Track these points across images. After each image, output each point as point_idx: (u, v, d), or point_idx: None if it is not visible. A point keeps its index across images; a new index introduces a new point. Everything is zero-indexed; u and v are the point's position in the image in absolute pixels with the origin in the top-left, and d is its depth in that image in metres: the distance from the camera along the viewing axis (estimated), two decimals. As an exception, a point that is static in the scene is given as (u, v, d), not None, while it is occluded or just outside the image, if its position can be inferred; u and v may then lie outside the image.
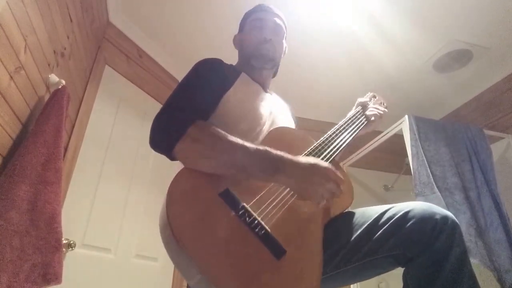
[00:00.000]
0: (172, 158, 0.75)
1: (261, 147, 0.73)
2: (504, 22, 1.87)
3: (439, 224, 0.69)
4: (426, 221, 0.70)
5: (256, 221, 0.66)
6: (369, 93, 1.21)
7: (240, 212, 0.66)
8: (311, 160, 0.73)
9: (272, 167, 0.71)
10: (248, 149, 0.72)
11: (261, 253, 0.63)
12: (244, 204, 0.68)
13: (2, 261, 0.86)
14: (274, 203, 0.72)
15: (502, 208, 1.69)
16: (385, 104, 1.20)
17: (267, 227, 0.66)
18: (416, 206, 0.74)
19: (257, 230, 0.65)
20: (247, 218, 0.66)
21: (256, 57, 1.02)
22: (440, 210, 0.73)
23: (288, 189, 0.75)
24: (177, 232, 0.59)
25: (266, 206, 0.70)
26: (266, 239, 0.65)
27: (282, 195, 0.74)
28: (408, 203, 0.76)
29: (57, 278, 1.02)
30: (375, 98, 1.19)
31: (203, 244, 0.60)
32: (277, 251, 0.64)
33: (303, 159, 0.74)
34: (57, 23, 1.24)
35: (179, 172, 0.69)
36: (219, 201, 0.67)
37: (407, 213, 0.73)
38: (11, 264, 0.89)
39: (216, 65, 0.95)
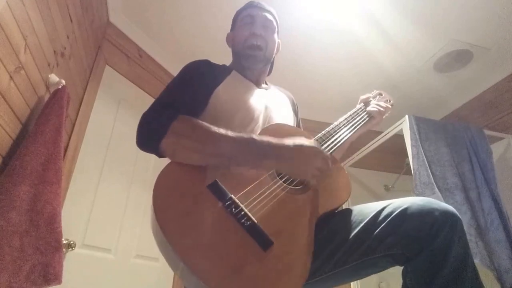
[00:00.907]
0: (160, 155, 0.75)
1: (245, 135, 0.74)
2: (504, 22, 1.87)
3: (439, 221, 0.66)
4: (425, 218, 0.67)
5: (242, 212, 0.65)
6: (374, 90, 1.20)
7: (226, 203, 0.66)
8: (297, 140, 0.75)
9: (261, 153, 0.72)
10: (233, 138, 0.72)
11: (247, 244, 0.62)
12: (232, 195, 0.67)
13: (2, 261, 0.86)
14: (263, 196, 0.71)
15: (502, 208, 1.69)
16: (391, 101, 1.17)
17: (253, 218, 0.65)
18: (415, 202, 0.71)
19: (243, 221, 0.64)
20: (234, 209, 0.65)
21: (245, 56, 1.01)
22: (440, 205, 0.69)
23: (278, 183, 0.75)
24: (162, 222, 0.59)
25: (254, 199, 0.70)
26: (252, 230, 0.63)
27: (272, 188, 0.74)
28: (406, 199, 0.74)
29: (57, 278, 1.02)
30: (381, 95, 1.18)
31: (187, 234, 0.59)
32: (264, 242, 0.63)
33: (289, 141, 0.74)
34: (57, 23, 1.24)
35: (166, 166, 0.70)
36: (207, 192, 0.67)
37: (405, 210, 0.70)
38: (11, 264, 0.89)
39: (203, 64, 0.96)
